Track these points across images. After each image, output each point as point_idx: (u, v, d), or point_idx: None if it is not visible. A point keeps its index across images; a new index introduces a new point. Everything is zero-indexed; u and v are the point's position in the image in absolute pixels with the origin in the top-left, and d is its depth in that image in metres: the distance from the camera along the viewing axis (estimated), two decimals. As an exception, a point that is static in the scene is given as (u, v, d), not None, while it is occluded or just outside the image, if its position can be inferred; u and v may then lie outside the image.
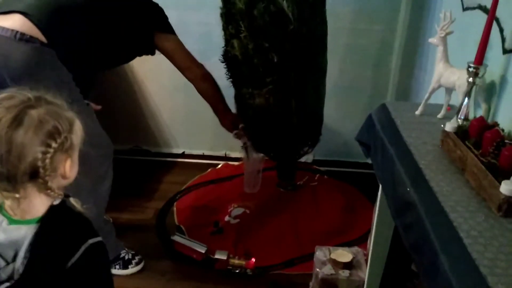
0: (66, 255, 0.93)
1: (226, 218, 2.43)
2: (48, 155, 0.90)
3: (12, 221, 0.94)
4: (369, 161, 1.65)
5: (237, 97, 2.32)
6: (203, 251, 2.14)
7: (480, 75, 1.33)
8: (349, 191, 2.77)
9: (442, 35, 1.44)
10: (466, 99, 1.36)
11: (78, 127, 0.97)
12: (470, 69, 1.33)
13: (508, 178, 1.01)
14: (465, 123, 1.33)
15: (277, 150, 2.46)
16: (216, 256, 2.10)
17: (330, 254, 1.87)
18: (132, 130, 3.11)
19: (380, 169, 1.45)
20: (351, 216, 2.50)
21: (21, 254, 0.91)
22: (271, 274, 2.10)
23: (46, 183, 0.92)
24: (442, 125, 1.38)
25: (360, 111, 2.80)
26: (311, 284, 1.94)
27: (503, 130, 1.21)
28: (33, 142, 0.88)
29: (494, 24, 1.34)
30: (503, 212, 1.01)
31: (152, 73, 2.95)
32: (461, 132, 1.27)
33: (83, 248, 0.95)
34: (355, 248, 1.95)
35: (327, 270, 1.82)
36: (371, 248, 1.70)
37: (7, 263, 0.92)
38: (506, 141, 1.13)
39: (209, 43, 2.79)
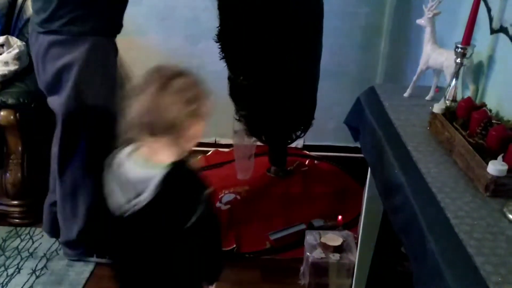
0: (188, 200, 1.13)
1: (217, 204, 2.42)
2: (184, 117, 1.08)
3: (145, 162, 1.12)
4: (359, 145, 1.65)
5: (230, 79, 2.29)
6: (304, 226, 2.22)
7: (467, 55, 1.32)
8: (339, 175, 2.78)
9: (430, 15, 1.43)
10: (454, 80, 1.36)
11: (209, 100, 1.16)
12: (458, 50, 1.32)
13: (496, 158, 1.01)
14: (453, 104, 1.33)
15: (269, 134, 2.44)
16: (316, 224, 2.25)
17: (320, 238, 1.87)
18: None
19: (369, 152, 1.45)
20: (342, 201, 2.50)
21: (152, 187, 1.08)
22: (262, 259, 2.10)
23: (178, 138, 1.10)
24: (430, 107, 1.38)
25: (349, 95, 2.76)
26: (302, 268, 1.95)
27: (490, 110, 1.20)
28: (175, 104, 1.07)
29: (482, 3, 1.32)
30: (490, 192, 1.01)
31: (139, 60, 2.87)
32: (449, 114, 1.26)
33: (202, 197, 1.14)
34: (345, 232, 1.96)
35: (318, 254, 1.83)
36: (360, 231, 1.70)
37: (138, 196, 1.10)
38: (494, 121, 1.12)
39: (197, 27, 2.76)
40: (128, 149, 1.16)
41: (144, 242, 1.16)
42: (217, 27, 2.12)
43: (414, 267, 1.00)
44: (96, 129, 1.82)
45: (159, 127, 1.08)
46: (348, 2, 2.62)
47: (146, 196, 1.09)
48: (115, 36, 1.84)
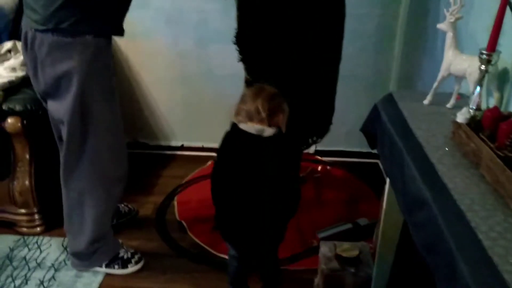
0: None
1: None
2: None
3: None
4: (371, 150, 1.60)
5: (248, 82, 2.23)
6: (351, 225, 2.25)
7: (493, 62, 1.26)
8: (352, 181, 2.72)
9: (452, 20, 1.37)
10: (478, 87, 1.30)
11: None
12: (483, 56, 1.26)
13: (528, 174, 0.95)
14: (477, 113, 1.26)
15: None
16: (361, 223, 2.27)
17: (335, 249, 1.81)
18: (129, 123, 3.02)
19: (388, 162, 1.39)
20: (355, 208, 2.45)
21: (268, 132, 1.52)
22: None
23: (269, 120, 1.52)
24: (452, 116, 1.32)
25: (362, 99, 2.73)
26: (316, 280, 1.89)
27: (518, 120, 1.14)
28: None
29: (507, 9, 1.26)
30: (523, 210, 0.95)
31: (148, 64, 2.87)
32: (474, 124, 1.20)
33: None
34: (361, 243, 1.89)
35: (333, 266, 1.77)
36: (379, 243, 1.64)
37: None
38: (524, 133, 1.06)
39: (206, 30, 2.71)
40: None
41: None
42: (236, 28, 2.06)
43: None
44: (101, 137, 1.78)
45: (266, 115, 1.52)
46: (361, 3, 2.55)
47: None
48: (112, 37, 1.80)
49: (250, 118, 1.52)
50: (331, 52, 2.11)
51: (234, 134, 1.55)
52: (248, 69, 2.12)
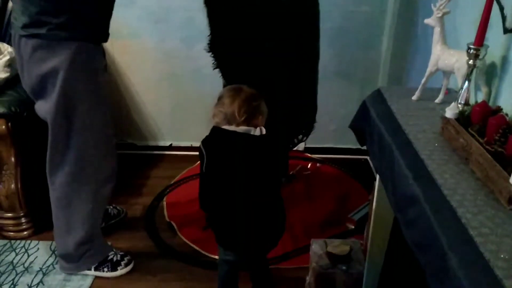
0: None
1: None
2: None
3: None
4: (361, 147, 1.60)
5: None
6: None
7: (481, 56, 1.26)
8: (342, 178, 2.72)
9: (439, 15, 1.36)
10: (466, 82, 1.29)
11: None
12: (470, 51, 1.25)
13: (518, 168, 0.94)
14: (466, 108, 1.26)
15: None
16: None
17: (326, 247, 1.80)
18: (116, 123, 2.98)
19: (378, 159, 1.38)
20: (346, 205, 2.44)
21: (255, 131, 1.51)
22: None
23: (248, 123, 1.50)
24: (441, 111, 1.32)
25: (351, 96, 2.73)
26: (307, 278, 1.88)
27: (507, 114, 1.14)
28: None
29: (494, 2, 1.26)
30: (514, 205, 0.94)
31: (134, 64, 2.84)
32: (463, 119, 1.20)
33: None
34: (352, 240, 1.89)
35: (324, 264, 1.76)
36: (369, 240, 1.64)
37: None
38: (513, 127, 1.06)
39: (192, 29, 2.68)
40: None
41: None
42: (208, 35, 2.04)
43: (432, 285, 0.93)
44: (86, 137, 1.76)
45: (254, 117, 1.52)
46: (348, 0, 2.55)
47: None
48: (100, 44, 1.77)
49: (228, 122, 1.49)
50: (306, 52, 2.10)
51: (218, 136, 1.52)
52: (224, 75, 2.11)
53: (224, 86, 2.20)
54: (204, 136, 1.55)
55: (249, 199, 1.53)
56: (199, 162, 1.59)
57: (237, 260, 1.69)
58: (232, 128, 1.49)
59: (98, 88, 1.77)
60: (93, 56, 1.71)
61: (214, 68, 2.09)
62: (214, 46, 2.05)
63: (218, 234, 1.64)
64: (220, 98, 1.55)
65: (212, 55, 2.07)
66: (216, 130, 1.53)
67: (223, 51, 2.04)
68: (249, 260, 1.77)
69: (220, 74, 2.11)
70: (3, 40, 2.40)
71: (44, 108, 1.73)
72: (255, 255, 1.74)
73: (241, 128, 1.48)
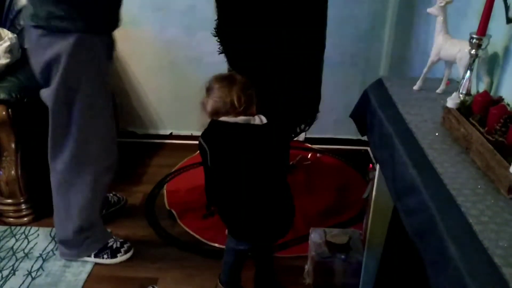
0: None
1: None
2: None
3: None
4: (361, 137, 1.59)
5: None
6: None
7: (483, 46, 1.25)
8: (342, 168, 2.72)
9: (442, 4, 1.35)
10: (468, 72, 1.29)
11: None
12: (473, 41, 1.25)
13: (518, 158, 0.94)
14: (467, 98, 1.26)
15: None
16: None
17: (325, 236, 1.81)
18: (117, 112, 2.99)
19: (378, 148, 1.38)
20: (345, 195, 2.45)
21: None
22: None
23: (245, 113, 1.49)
24: (442, 101, 1.31)
25: (352, 86, 2.73)
26: (306, 267, 1.89)
27: (508, 104, 1.13)
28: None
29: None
30: (514, 194, 0.94)
31: (135, 53, 2.83)
32: (464, 108, 1.19)
33: None
34: (351, 230, 1.89)
35: (323, 253, 1.77)
36: (368, 230, 1.64)
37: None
38: (515, 117, 1.05)
39: (193, 17, 2.67)
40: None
41: None
42: (215, 20, 2.03)
43: (431, 274, 0.94)
44: (87, 125, 1.77)
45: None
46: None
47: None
48: (105, 33, 1.77)
49: (227, 112, 1.46)
50: (313, 41, 2.09)
51: (219, 130, 1.49)
52: (230, 61, 2.09)
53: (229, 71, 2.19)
54: (204, 125, 1.54)
55: (258, 189, 1.53)
56: (198, 151, 1.58)
57: (249, 249, 1.69)
58: (232, 119, 1.47)
59: (99, 77, 1.77)
60: (95, 46, 1.71)
61: (220, 53, 2.07)
62: (221, 31, 2.03)
63: (230, 226, 1.62)
64: (210, 89, 1.51)
65: (218, 40, 2.06)
66: (215, 124, 1.49)
67: (230, 36, 2.02)
68: (261, 248, 1.76)
69: (225, 60, 2.09)
70: (3, 26, 2.40)
71: (46, 93, 1.74)
72: (269, 242, 1.73)
73: (241, 119, 1.46)
